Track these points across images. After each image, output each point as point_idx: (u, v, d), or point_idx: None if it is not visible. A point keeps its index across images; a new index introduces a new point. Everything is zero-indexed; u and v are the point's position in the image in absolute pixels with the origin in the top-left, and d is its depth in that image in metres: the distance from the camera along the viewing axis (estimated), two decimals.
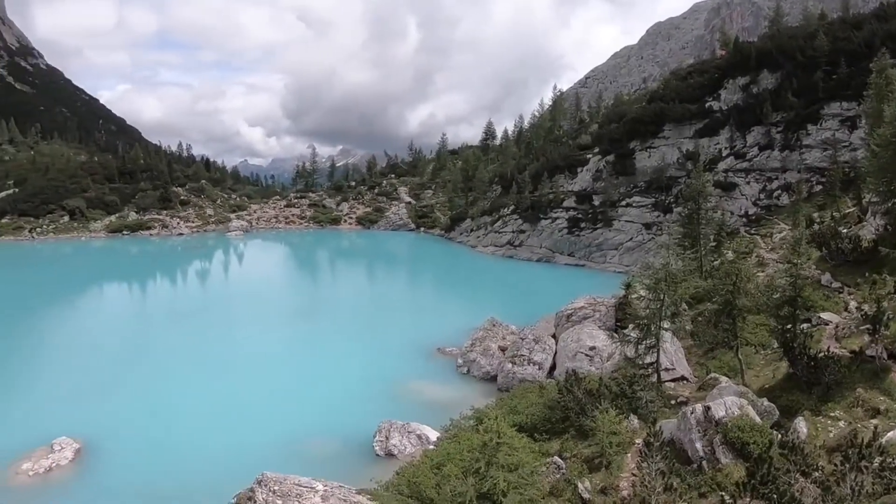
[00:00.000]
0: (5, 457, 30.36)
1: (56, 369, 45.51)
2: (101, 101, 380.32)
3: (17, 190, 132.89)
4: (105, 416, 35.60)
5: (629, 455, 21.34)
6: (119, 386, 40.87)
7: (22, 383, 42.95)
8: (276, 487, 20.23)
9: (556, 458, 22.53)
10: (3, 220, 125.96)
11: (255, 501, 19.74)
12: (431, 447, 28.21)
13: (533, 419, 26.12)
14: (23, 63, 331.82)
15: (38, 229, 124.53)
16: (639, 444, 20.63)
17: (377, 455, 30.12)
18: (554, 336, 42.45)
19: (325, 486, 21.15)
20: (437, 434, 30.32)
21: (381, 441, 30.98)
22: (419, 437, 30.89)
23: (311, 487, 20.81)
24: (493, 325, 46.73)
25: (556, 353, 39.91)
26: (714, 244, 45.78)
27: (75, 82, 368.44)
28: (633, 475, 18.22)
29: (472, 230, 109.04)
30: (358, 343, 50.23)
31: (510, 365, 39.49)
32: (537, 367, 38.80)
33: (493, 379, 40.07)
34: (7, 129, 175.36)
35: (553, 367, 38.89)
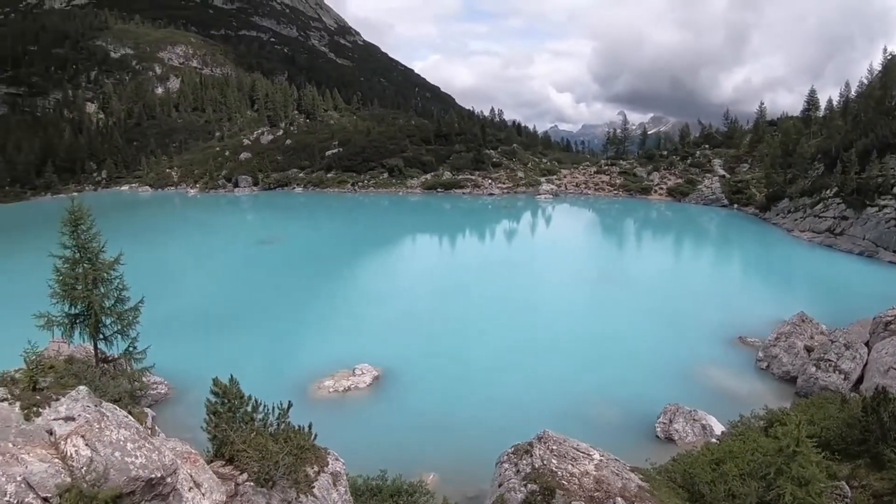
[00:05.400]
0: (313, 373, 34.91)
1: (369, 306, 51.15)
2: (416, 71, 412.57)
3: (341, 149, 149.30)
4: (406, 351, 39.14)
5: None
6: (422, 327, 44.66)
7: (338, 315, 48.77)
8: (554, 447, 20.76)
9: (843, 483, 20.27)
10: (329, 175, 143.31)
11: (532, 456, 20.41)
12: (714, 440, 27.13)
13: (827, 434, 23.61)
14: (342, 41, 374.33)
15: (359, 183, 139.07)
16: None
17: (657, 436, 29.57)
18: (867, 344, 37.70)
19: (602, 455, 21.28)
20: (723, 428, 29.02)
21: (664, 423, 30.26)
22: (703, 427, 29.72)
23: (588, 454, 21.06)
24: (802, 321, 42.53)
25: (866, 363, 35.37)
26: None
27: (391, 55, 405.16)
28: None
29: (788, 211, 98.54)
30: (655, 317, 49.04)
31: (813, 368, 35.84)
32: (843, 376, 34.78)
33: (793, 380, 36.62)
34: (332, 98, 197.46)
35: (860, 380, 34.57)
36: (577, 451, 21.06)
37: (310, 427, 18.06)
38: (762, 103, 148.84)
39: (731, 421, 28.37)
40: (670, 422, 30.15)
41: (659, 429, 30.04)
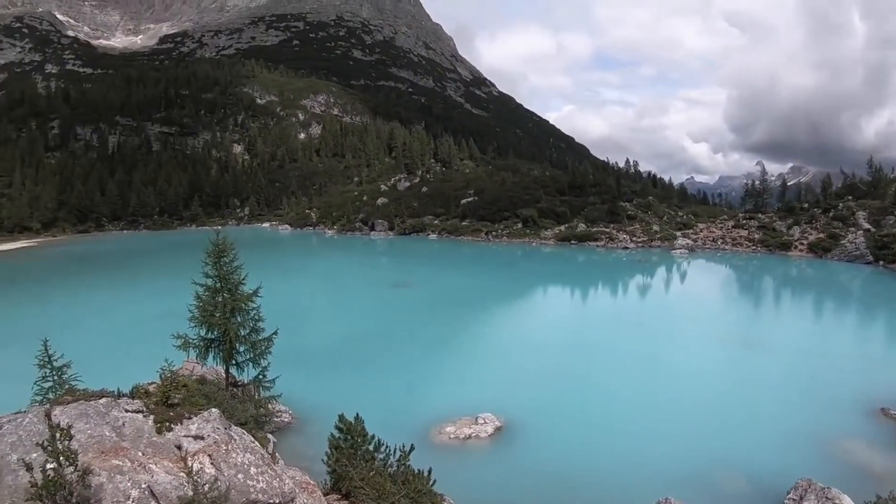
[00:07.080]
0: (435, 418, 34.42)
1: (497, 355, 50.56)
2: (550, 122, 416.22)
3: (476, 198, 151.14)
4: (530, 404, 38.10)
5: None
6: (548, 380, 43.53)
7: (465, 362, 48.63)
8: None
9: None
10: (464, 223, 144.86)
11: None
12: None
13: None
14: (477, 92, 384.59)
15: (493, 232, 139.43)
16: None
17: None
18: None
19: None
20: None
21: (794, 500, 27.64)
22: None
23: None
24: None
25: None
26: None
27: (526, 106, 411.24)
28: None
29: None
30: (789, 382, 45.53)
31: None
32: None
33: None
34: (468, 147, 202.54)
35: None
36: None
37: (429, 472, 17.87)
38: None
39: (866, 501, 25.71)
40: (801, 498, 27.49)
41: None
